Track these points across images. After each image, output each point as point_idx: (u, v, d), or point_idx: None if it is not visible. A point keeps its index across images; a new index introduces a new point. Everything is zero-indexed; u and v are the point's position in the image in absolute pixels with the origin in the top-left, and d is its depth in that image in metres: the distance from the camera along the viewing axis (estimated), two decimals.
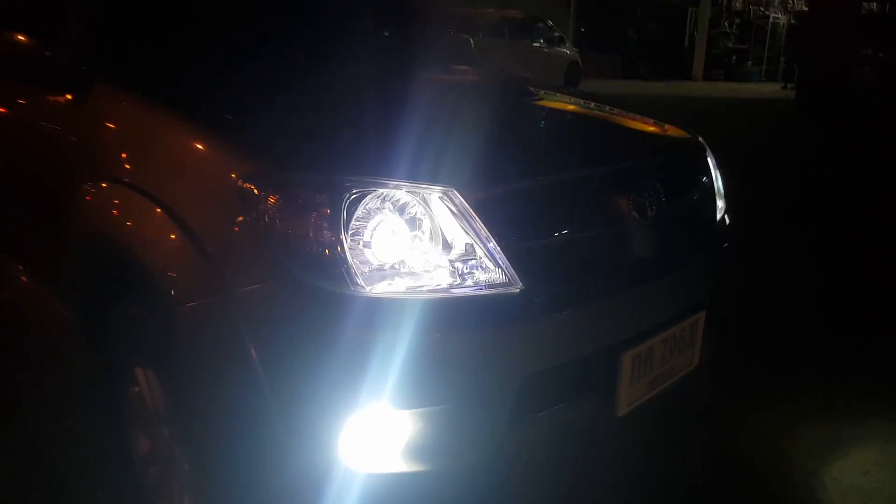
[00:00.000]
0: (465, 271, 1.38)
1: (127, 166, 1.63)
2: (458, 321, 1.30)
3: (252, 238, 1.35)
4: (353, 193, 1.32)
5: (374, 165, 1.38)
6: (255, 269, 1.34)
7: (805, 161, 7.63)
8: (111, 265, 1.64)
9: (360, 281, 1.29)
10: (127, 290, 1.62)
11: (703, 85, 20.50)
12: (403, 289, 1.32)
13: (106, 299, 1.70)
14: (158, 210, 1.48)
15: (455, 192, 1.35)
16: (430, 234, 1.39)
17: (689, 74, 22.54)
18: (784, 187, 6.17)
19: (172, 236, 1.44)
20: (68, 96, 1.81)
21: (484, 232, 1.36)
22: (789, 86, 17.90)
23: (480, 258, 1.37)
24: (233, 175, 1.37)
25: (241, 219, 1.35)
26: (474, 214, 1.35)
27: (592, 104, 2.27)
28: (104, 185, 1.64)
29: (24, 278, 2.40)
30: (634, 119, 2.09)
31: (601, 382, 1.53)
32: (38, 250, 2.19)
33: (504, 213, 1.39)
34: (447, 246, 1.40)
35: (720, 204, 1.98)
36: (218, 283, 1.37)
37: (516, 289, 1.36)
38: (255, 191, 1.35)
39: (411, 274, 1.37)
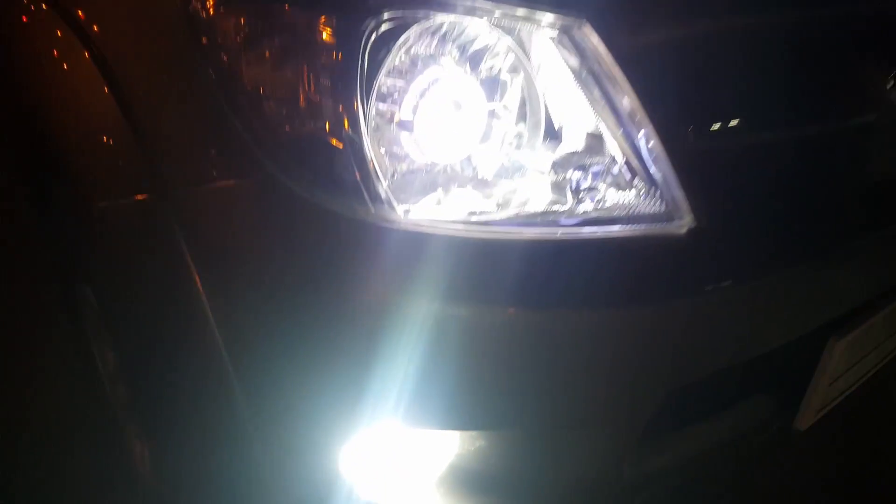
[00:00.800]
0: (585, 186, 0.74)
1: None
2: (562, 285, 0.69)
3: (201, 102, 0.73)
4: (384, 21, 0.67)
5: None
6: (206, 157, 0.74)
7: None
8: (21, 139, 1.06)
9: (387, 196, 0.67)
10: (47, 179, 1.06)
11: None
12: (464, 215, 0.70)
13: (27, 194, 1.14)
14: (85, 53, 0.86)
15: (588, 26, 0.68)
16: (525, 109, 0.74)
17: None
18: None
19: (92, 93, 0.83)
20: None
21: (636, 111, 0.70)
22: None
23: (617, 162, 0.73)
24: None
25: (184, 69, 0.73)
26: (621, 75, 0.69)
27: None
28: None
29: None
30: None
31: (786, 379, 0.93)
32: None
33: (675, 79, 0.72)
34: (554, 135, 0.75)
35: None
36: (147, 175, 0.78)
37: (683, 226, 0.73)
38: (204, 12, 0.71)
39: (482, 186, 0.74)
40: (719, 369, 0.78)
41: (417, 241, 0.66)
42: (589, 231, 0.70)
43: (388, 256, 0.66)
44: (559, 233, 0.69)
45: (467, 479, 0.79)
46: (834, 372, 0.91)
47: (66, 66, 0.78)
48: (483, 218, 0.70)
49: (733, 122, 0.77)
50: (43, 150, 0.91)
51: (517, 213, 0.72)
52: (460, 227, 0.68)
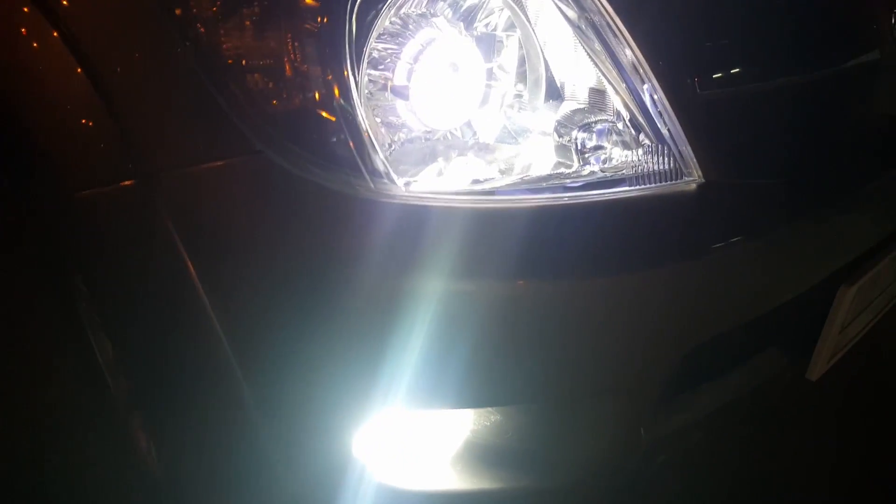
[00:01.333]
0: (590, 146, 0.71)
1: None
2: (571, 252, 0.66)
3: (180, 79, 0.69)
4: None
5: None
6: (190, 138, 0.69)
7: None
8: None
9: (386, 169, 0.64)
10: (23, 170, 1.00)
11: None
12: (467, 185, 0.67)
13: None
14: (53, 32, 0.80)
15: None
16: (524, 68, 0.71)
17: None
18: None
19: (67, 76, 0.78)
20: None
21: (639, 65, 0.66)
22: None
23: (622, 118, 0.70)
24: None
25: (159, 44, 0.68)
26: (622, 25, 0.65)
27: None
28: None
29: None
30: None
31: (796, 332, 0.91)
32: None
33: (678, 27, 0.69)
34: (555, 94, 0.72)
35: None
36: (129, 160, 0.73)
37: (691, 183, 0.70)
38: None
39: (483, 152, 0.71)
40: (734, 327, 0.76)
41: (420, 214, 0.63)
42: (596, 194, 0.67)
43: (391, 232, 0.63)
44: (566, 198, 0.66)
45: (483, 455, 0.77)
46: (844, 320, 0.90)
47: (34, 47, 0.73)
48: (487, 186, 0.66)
49: (739, 70, 0.74)
50: (14, 140, 0.86)
51: (521, 179, 0.69)
52: (464, 198, 0.65)
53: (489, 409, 0.74)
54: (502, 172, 0.70)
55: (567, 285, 0.65)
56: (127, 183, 0.75)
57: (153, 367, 0.82)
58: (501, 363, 0.66)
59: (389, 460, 0.77)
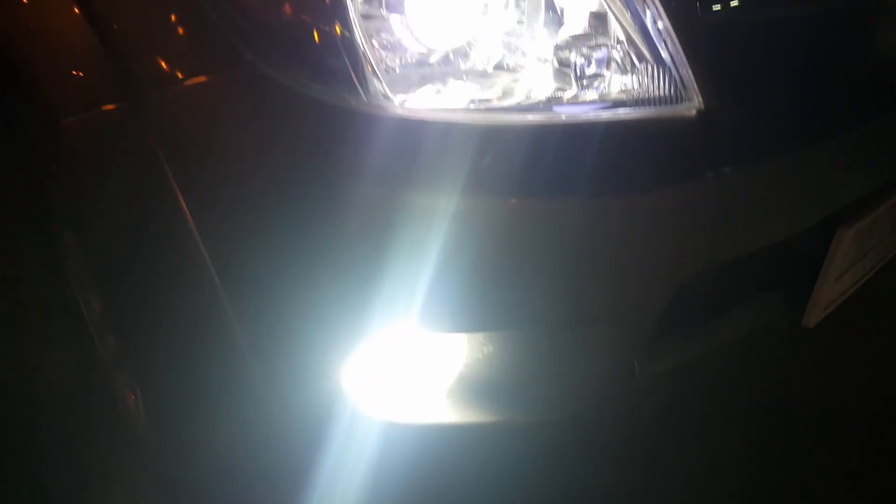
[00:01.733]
0: (590, 71, 0.70)
1: None
2: (567, 172, 0.65)
3: None
4: None
5: None
6: (178, 54, 0.68)
7: None
8: None
9: (380, 86, 0.62)
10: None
11: None
12: (464, 104, 0.66)
13: None
14: None
15: None
16: None
17: None
18: None
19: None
20: None
21: None
22: None
23: (622, 42, 0.68)
24: None
25: None
26: None
27: None
28: None
29: None
30: None
31: (793, 275, 0.91)
32: None
33: None
34: (556, 19, 0.71)
35: None
36: (115, 81, 0.72)
37: (691, 108, 0.69)
38: None
39: (479, 75, 0.70)
40: (729, 260, 0.75)
41: (415, 128, 0.62)
42: (594, 114, 0.66)
43: (386, 147, 0.62)
44: (563, 116, 0.65)
45: (476, 388, 0.76)
46: (841, 265, 0.89)
47: None
48: (482, 105, 0.65)
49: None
50: None
51: (519, 104, 0.68)
52: (461, 114, 0.64)
53: (482, 339, 0.73)
54: (499, 99, 0.69)
55: (561, 205, 0.64)
56: (110, 107, 0.73)
57: (141, 308, 0.80)
58: (494, 283, 0.65)
59: (380, 394, 0.76)
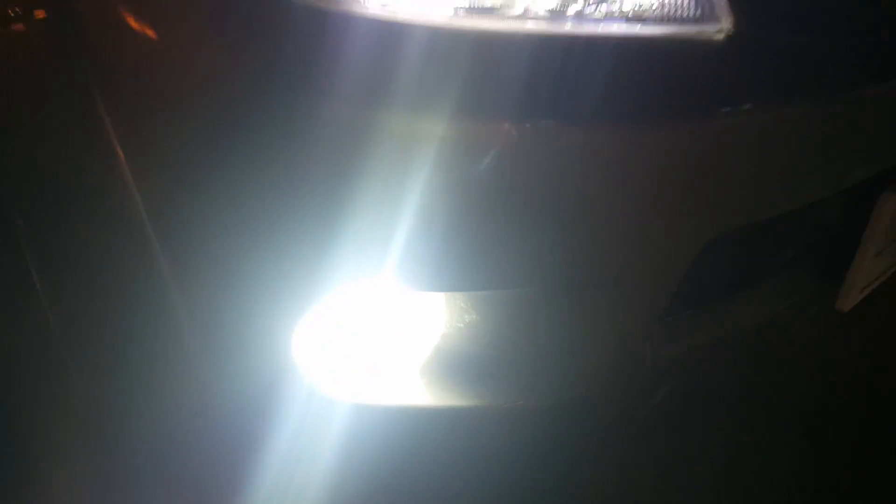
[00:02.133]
0: None
1: None
2: (573, 95, 0.53)
3: None
4: None
5: None
6: None
7: None
8: None
9: None
10: None
11: None
12: (450, 12, 0.55)
13: None
14: None
15: None
16: None
17: None
18: None
19: None
20: None
21: None
22: None
23: None
24: None
25: None
26: None
27: None
28: None
29: None
30: None
31: (826, 249, 0.79)
32: None
33: None
34: None
35: None
36: None
37: (719, 31, 0.58)
38: None
39: None
40: (759, 218, 0.64)
41: (396, 33, 0.51)
42: (605, 27, 0.55)
43: (360, 56, 0.50)
44: (568, 25, 0.54)
45: (457, 362, 0.64)
46: (883, 238, 0.77)
47: None
48: (472, 12, 0.54)
49: None
50: None
51: (523, 13, 0.57)
52: (444, 22, 0.52)
53: (463, 304, 0.61)
54: (500, 7, 0.57)
55: (560, 134, 0.52)
56: (41, 15, 0.62)
57: (67, 251, 0.69)
58: (485, 229, 0.53)
59: (338, 368, 0.65)
